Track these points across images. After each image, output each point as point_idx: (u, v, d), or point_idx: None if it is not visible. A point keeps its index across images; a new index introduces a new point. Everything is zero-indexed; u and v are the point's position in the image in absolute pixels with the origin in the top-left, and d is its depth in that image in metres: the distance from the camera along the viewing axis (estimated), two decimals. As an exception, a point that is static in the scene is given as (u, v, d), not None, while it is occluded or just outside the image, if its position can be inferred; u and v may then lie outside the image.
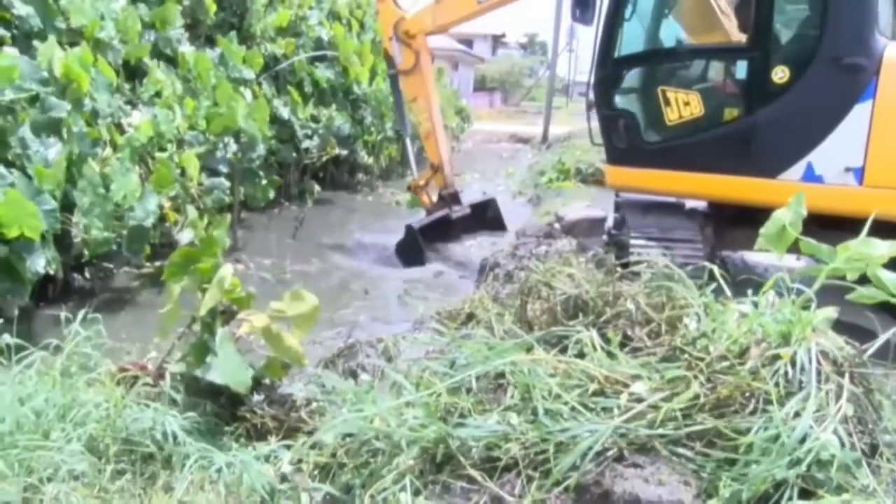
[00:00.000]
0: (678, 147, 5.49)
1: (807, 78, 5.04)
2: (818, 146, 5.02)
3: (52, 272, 4.74)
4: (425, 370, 3.10)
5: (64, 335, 3.05)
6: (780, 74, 5.09)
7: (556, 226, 7.37)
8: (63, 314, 3.10)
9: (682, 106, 5.42)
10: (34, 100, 4.97)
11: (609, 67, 5.77)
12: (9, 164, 4.59)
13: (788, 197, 4.69)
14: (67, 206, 4.93)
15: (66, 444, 2.60)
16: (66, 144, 5.02)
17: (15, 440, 2.55)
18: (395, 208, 10.30)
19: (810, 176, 5.05)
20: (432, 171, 7.57)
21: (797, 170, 5.07)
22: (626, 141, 5.69)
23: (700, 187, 5.42)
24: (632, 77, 5.97)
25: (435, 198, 7.64)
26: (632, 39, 5.90)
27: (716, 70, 5.82)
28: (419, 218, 7.61)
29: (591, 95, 5.95)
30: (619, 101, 5.88)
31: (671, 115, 5.47)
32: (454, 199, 7.60)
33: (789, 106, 5.09)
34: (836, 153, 4.96)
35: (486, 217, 8.08)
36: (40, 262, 4.41)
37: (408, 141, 8.20)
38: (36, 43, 5.47)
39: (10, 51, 4.92)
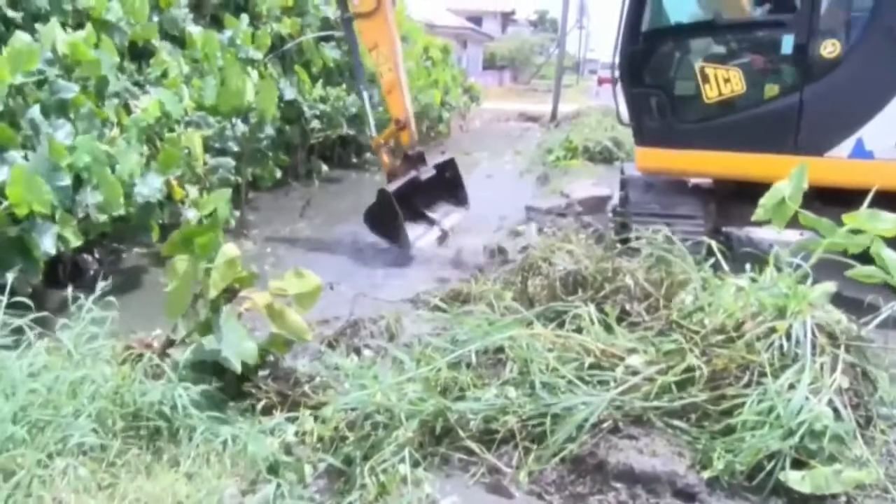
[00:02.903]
0: (718, 126, 5.27)
1: (859, 51, 4.88)
2: (870, 121, 4.89)
3: (63, 250, 4.81)
4: (427, 346, 3.15)
5: (72, 313, 3.10)
6: (829, 48, 4.92)
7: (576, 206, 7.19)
8: (70, 292, 3.15)
9: (723, 83, 5.21)
10: (41, 82, 5.01)
11: (639, 41, 5.46)
12: (22, 147, 4.64)
13: (836, 175, 4.66)
14: (74, 185, 4.97)
15: (75, 419, 2.66)
16: (74, 125, 5.07)
17: (27, 415, 2.61)
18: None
19: (860, 152, 4.92)
20: (396, 127, 6.69)
21: (846, 146, 4.95)
22: (659, 121, 5.42)
23: (740, 168, 5.21)
24: (665, 52, 5.65)
25: (397, 158, 6.84)
26: (664, 11, 5.64)
27: (759, 44, 5.53)
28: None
29: (617, 72, 5.65)
30: (651, 78, 5.56)
31: (710, 93, 5.24)
32: (420, 159, 6.82)
33: (839, 80, 4.93)
34: (888, 128, 4.83)
35: (445, 178, 7.21)
36: (51, 242, 4.47)
37: (364, 94, 7.26)
38: (39, 25, 5.50)
39: (23, 35, 4.94)
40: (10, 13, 5.45)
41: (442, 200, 7.14)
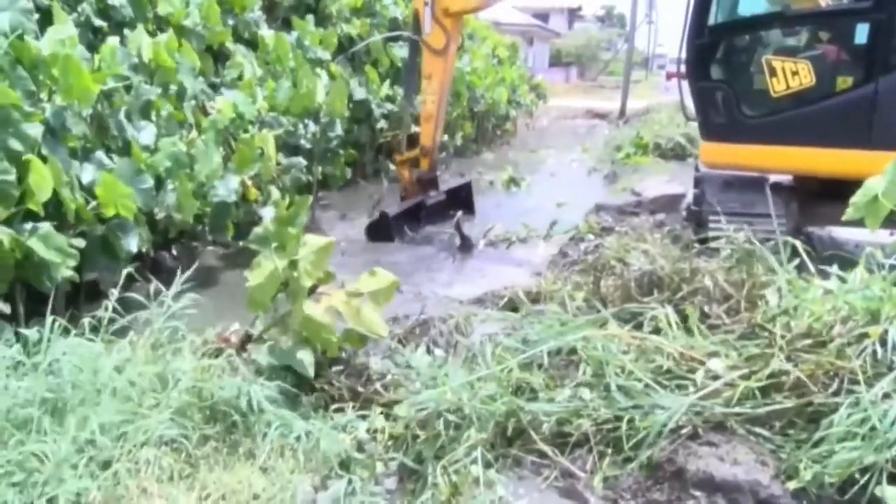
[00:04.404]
0: (786, 120, 5.11)
1: None
2: None
3: (144, 250, 4.99)
4: (498, 346, 3.12)
5: (153, 309, 3.21)
6: None
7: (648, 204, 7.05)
8: (152, 289, 3.26)
9: (790, 76, 5.05)
10: (128, 86, 5.22)
11: (705, 35, 5.37)
12: (107, 149, 4.84)
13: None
14: (156, 185, 5.15)
15: (158, 412, 2.75)
16: (157, 127, 5.27)
17: (114, 407, 2.72)
18: (490, 188, 10.09)
19: None
20: (421, 153, 7.61)
21: None
22: (726, 115, 5.31)
23: (810, 163, 5.05)
24: (731, 45, 5.53)
25: (416, 176, 7.70)
26: (731, 3, 5.53)
27: (830, 35, 5.33)
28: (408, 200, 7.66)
29: (683, 66, 5.57)
30: (717, 72, 5.46)
31: (777, 86, 5.10)
32: (432, 184, 7.74)
33: None
34: None
35: (459, 199, 8.07)
36: (134, 241, 4.65)
37: (409, 109, 8.22)
38: (126, 32, 5.74)
39: (112, 40, 5.16)
40: (98, 22, 5.69)
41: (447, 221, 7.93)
